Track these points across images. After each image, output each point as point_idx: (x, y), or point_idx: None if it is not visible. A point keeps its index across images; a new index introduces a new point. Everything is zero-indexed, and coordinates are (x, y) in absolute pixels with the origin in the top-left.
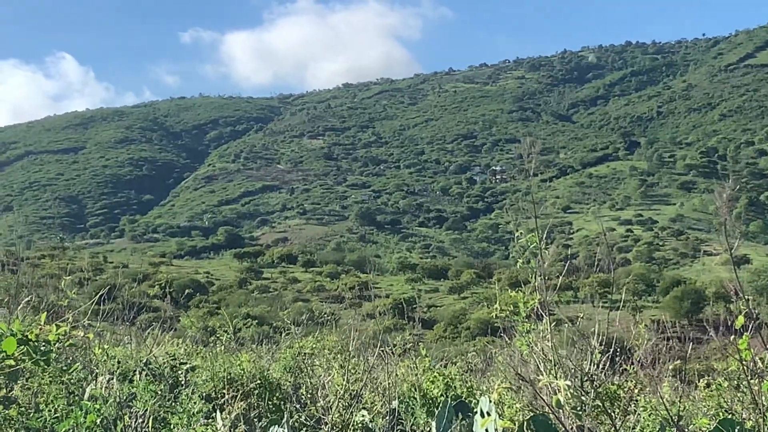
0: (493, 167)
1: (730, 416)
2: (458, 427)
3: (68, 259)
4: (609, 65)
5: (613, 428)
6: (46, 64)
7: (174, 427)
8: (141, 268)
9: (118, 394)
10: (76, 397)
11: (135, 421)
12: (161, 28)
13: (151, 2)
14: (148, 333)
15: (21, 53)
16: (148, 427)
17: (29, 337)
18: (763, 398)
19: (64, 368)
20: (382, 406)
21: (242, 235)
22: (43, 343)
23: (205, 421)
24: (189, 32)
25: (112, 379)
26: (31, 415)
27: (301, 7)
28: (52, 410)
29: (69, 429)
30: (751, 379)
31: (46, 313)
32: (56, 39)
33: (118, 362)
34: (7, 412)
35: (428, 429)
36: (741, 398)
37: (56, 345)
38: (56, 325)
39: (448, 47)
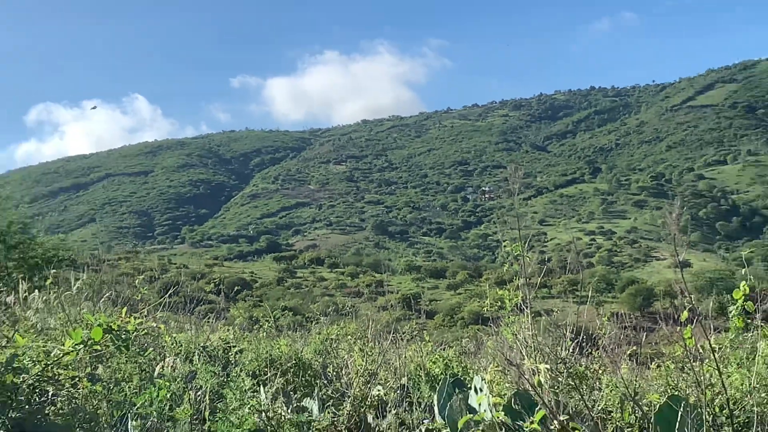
0: (483, 188)
1: (676, 393)
2: (456, 401)
3: (140, 261)
4: (577, 106)
5: (582, 402)
6: (123, 103)
7: (228, 400)
8: (198, 269)
9: (182, 372)
10: (149, 375)
11: (196, 395)
12: (216, 75)
13: (207, 54)
14: (205, 322)
15: (103, 94)
16: (206, 400)
17: (113, 327)
18: (703, 378)
19: (140, 351)
20: (393, 382)
21: (280, 242)
22: (124, 332)
23: (251, 394)
24: (238, 78)
25: (177, 360)
26: (113, 390)
27: (328, 58)
28: (130, 386)
29: (144, 402)
30: (694, 362)
31: (126, 307)
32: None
33: (181, 346)
34: (93, 387)
35: (431, 402)
36: (685, 378)
37: (133, 333)
38: (134, 317)
39: (447, 90)
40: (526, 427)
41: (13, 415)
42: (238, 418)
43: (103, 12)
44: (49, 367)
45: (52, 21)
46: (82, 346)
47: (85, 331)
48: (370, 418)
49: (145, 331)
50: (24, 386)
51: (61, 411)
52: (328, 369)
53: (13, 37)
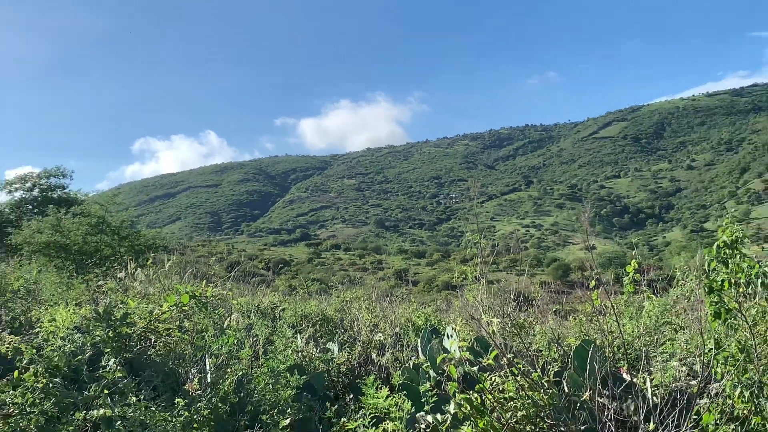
0: (450, 195)
1: (587, 338)
2: (434, 344)
3: (212, 247)
4: (516, 137)
5: (522, 344)
6: (200, 136)
7: (275, 344)
8: (253, 252)
9: (243, 325)
10: (220, 327)
11: (253, 341)
12: (265, 116)
13: (259, 101)
14: (258, 289)
15: (186, 130)
16: (261, 344)
17: (196, 294)
18: (606, 327)
19: (213, 310)
20: (390, 331)
21: (309, 233)
22: (203, 297)
23: (291, 339)
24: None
25: (239, 316)
26: (195, 337)
27: (343, 104)
28: (207, 335)
29: (217, 346)
30: (599, 315)
31: (203, 280)
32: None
33: (242, 306)
34: (182, 336)
35: (416, 344)
36: (593, 327)
37: (209, 298)
38: (209, 286)
39: (425, 127)
40: (484, 362)
41: (126, 356)
42: (284, 357)
43: (186, 69)
44: (151, 322)
45: (149, 76)
46: (174, 307)
47: (176, 297)
48: (374, 356)
49: (217, 296)
50: (134, 335)
51: (159, 353)
52: (344, 322)
53: (122, 87)
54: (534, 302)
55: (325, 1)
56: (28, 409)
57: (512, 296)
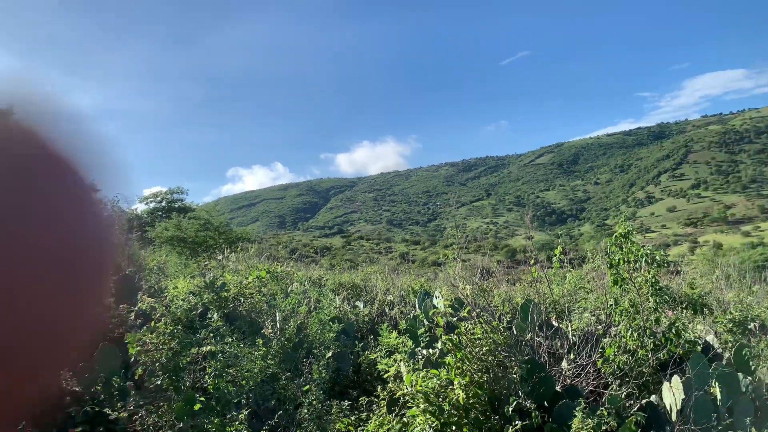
0: (437, 203)
1: (528, 298)
2: (426, 302)
3: (279, 238)
4: (480, 164)
5: (485, 301)
6: (270, 166)
7: (321, 303)
8: (306, 241)
9: (300, 290)
10: (286, 292)
11: (309, 301)
12: (312, 152)
13: (308, 140)
14: (309, 266)
15: (261, 161)
16: (312, 303)
17: (270, 270)
18: (540, 290)
19: (281, 281)
20: (397, 293)
21: (343, 229)
22: (275, 273)
23: (332, 299)
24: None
25: (298, 284)
26: (269, 299)
27: (365, 144)
28: (278, 297)
29: (285, 304)
30: (537, 283)
31: (275, 261)
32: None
33: (300, 277)
34: (260, 298)
35: (414, 302)
36: (533, 290)
37: (279, 272)
38: (278, 264)
39: (419, 157)
40: (461, 315)
41: (225, 312)
42: (327, 312)
43: (262, 120)
44: (241, 289)
45: (239, 125)
46: (256, 279)
47: (257, 272)
48: (386, 310)
49: (283, 272)
50: (229, 297)
51: (245, 310)
52: (367, 287)
53: (220, 133)
54: (493, 274)
55: (351, 72)
56: (160, 346)
57: (478, 270)
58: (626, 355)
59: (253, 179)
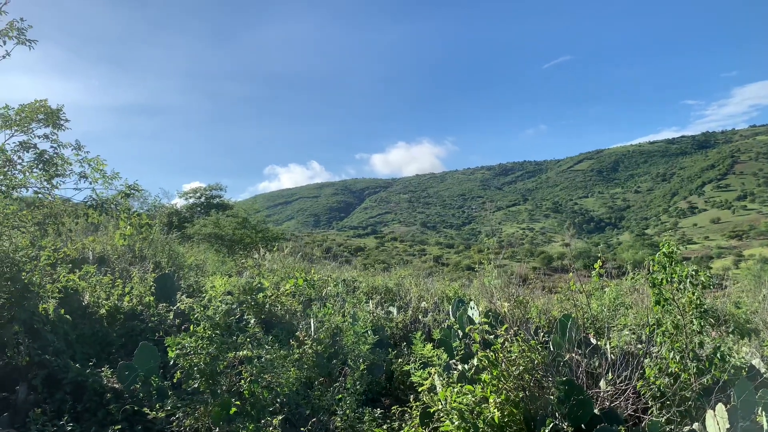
0: (472, 206)
1: (566, 312)
2: (461, 310)
3: (314, 237)
4: (517, 168)
5: (521, 313)
6: (307, 164)
7: (349, 304)
8: (340, 241)
9: (335, 291)
10: (320, 295)
11: (338, 301)
12: (348, 152)
13: (345, 141)
14: (343, 267)
15: (297, 160)
16: (345, 303)
17: (307, 278)
18: (578, 303)
19: (315, 285)
20: (431, 299)
21: (377, 230)
22: (311, 280)
23: (365, 303)
24: (358, 154)
25: (332, 286)
26: (304, 303)
27: (400, 145)
28: (313, 302)
29: (318, 307)
30: (575, 295)
31: (308, 261)
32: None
33: (334, 280)
34: (296, 302)
35: (448, 310)
36: (570, 303)
37: (316, 280)
38: (313, 268)
39: (455, 160)
40: (499, 333)
41: (262, 316)
42: (364, 323)
43: (300, 119)
44: (278, 296)
45: (276, 124)
46: (293, 286)
47: (294, 280)
48: (420, 317)
49: (319, 279)
50: (266, 301)
51: (280, 312)
52: (400, 292)
53: (258, 131)
54: (529, 282)
55: (389, 72)
56: (199, 350)
57: (514, 277)
58: (668, 378)
59: (290, 177)
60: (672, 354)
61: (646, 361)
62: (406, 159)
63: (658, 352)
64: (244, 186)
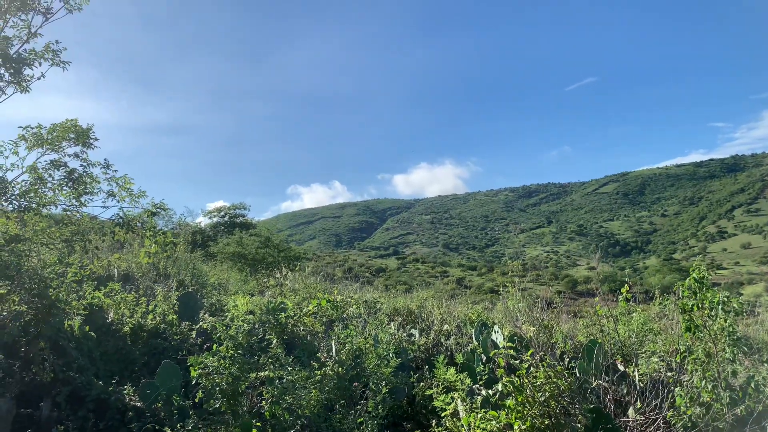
0: (495, 228)
1: (592, 338)
2: (484, 334)
3: (335, 257)
4: (541, 191)
5: (546, 337)
6: (329, 184)
7: (372, 326)
8: (362, 261)
9: (356, 313)
10: (341, 314)
11: (360, 322)
12: (371, 172)
13: (367, 162)
14: (364, 287)
15: (319, 180)
16: (367, 326)
17: (330, 299)
18: (605, 329)
19: (338, 306)
20: (453, 322)
21: (399, 250)
22: (334, 301)
23: (387, 325)
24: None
25: (354, 307)
26: (325, 323)
27: (422, 165)
28: (334, 323)
29: (345, 336)
30: (601, 320)
31: (330, 282)
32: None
33: (356, 301)
34: (320, 327)
35: (471, 333)
36: (596, 328)
37: (339, 302)
38: (336, 288)
39: (478, 181)
40: (524, 356)
41: (284, 337)
42: (386, 346)
43: (320, 141)
44: (300, 317)
45: (298, 145)
46: (316, 307)
47: (317, 301)
48: (442, 340)
49: (342, 300)
50: (289, 322)
51: (302, 333)
52: (422, 314)
53: (281, 152)
54: (553, 305)
55: (411, 93)
56: (221, 370)
57: (539, 301)
58: (700, 408)
59: (312, 197)
60: (704, 383)
61: (676, 389)
62: (429, 180)
63: (690, 380)
64: (267, 205)
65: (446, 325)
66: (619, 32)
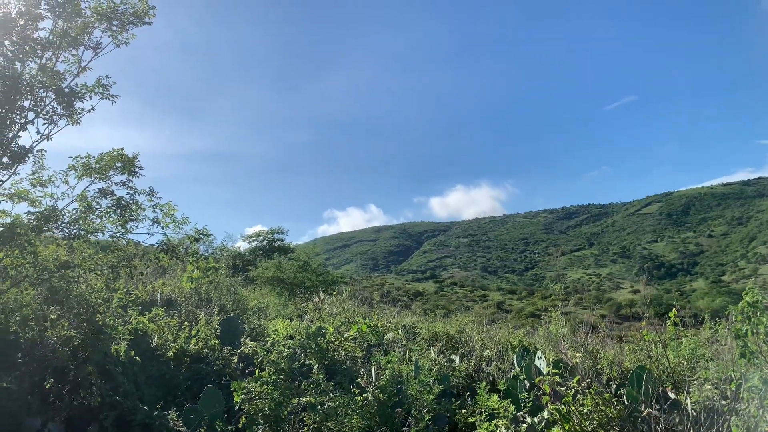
0: (535, 251)
1: (640, 363)
2: (526, 360)
3: (371, 282)
4: (582, 212)
5: (592, 363)
6: (365, 208)
7: (413, 352)
8: (399, 285)
9: (395, 338)
10: (381, 339)
11: (399, 348)
12: (407, 196)
13: (402, 186)
14: (402, 312)
15: (356, 203)
16: (407, 350)
17: (370, 324)
18: (654, 354)
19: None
20: (494, 348)
21: (436, 274)
22: (375, 326)
23: (426, 350)
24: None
25: (393, 332)
26: (365, 348)
27: (459, 188)
28: (374, 349)
29: (380, 354)
30: (649, 345)
31: (366, 305)
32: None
33: (395, 327)
34: (359, 352)
35: (513, 359)
36: (643, 354)
37: (380, 327)
38: (376, 315)
39: (516, 203)
40: (571, 383)
41: (325, 362)
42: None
43: (356, 168)
44: (341, 342)
45: (337, 173)
46: (357, 332)
47: (358, 326)
48: (483, 366)
49: (382, 325)
50: (330, 348)
51: (343, 357)
52: (462, 339)
53: (318, 180)
54: (598, 329)
55: (447, 116)
56: (263, 395)
57: (582, 325)
58: None
59: (348, 221)
60: (761, 412)
61: (732, 419)
62: (465, 202)
63: (746, 409)
64: (304, 229)
65: (487, 351)
66: (659, 49)
